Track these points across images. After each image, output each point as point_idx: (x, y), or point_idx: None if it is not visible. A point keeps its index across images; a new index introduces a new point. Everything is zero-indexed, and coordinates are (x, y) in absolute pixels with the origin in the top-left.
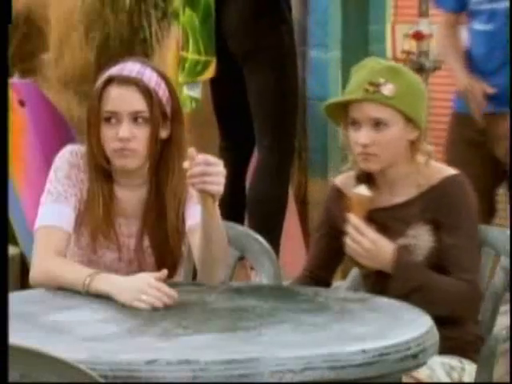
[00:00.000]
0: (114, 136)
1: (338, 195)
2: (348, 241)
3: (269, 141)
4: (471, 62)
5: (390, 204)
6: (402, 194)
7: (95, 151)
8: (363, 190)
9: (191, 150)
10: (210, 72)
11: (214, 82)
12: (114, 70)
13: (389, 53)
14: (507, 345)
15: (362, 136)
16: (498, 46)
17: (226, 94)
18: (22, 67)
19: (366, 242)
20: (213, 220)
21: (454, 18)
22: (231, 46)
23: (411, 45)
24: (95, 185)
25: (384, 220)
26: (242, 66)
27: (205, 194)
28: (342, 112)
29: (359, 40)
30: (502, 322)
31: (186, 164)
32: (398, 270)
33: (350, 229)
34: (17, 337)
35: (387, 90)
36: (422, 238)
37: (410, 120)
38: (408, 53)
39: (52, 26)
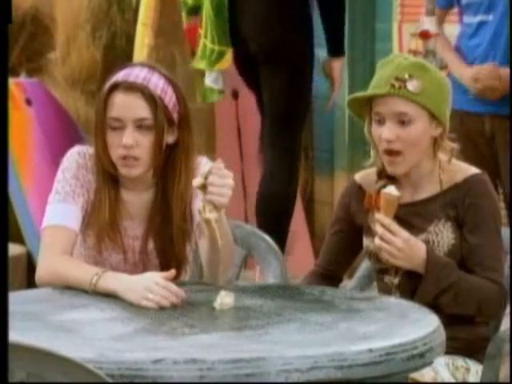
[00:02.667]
0: (118, 142)
1: (358, 191)
2: (378, 241)
3: (280, 141)
4: (465, 58)
5: (411, 200)
6: (425, 191)
7: (101, 156)
8: (393, 190)
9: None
10: (226, 62)
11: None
12: (120, 76)
13: (395, 52)
14: None
15: (386, 131)
16: (499, 36)
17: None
18: (28, 66)
19: (398, 241)
20: (218, 230)
21: (444, 14)
22: (251, 48)
23: (418, 44)
24: (102, 188)
25: (405, 216)
26: (260, 67)
27: (209, 204)
28: (366, 107)
29: (366, 39)
30: (507, 322)
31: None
32: (431, 269)
33: (379, 228)
34: (24, 336)
35: (413, 85)
36: (442, 235)
37: (434, 117)
38: (415, 52)
39: (59, 26)
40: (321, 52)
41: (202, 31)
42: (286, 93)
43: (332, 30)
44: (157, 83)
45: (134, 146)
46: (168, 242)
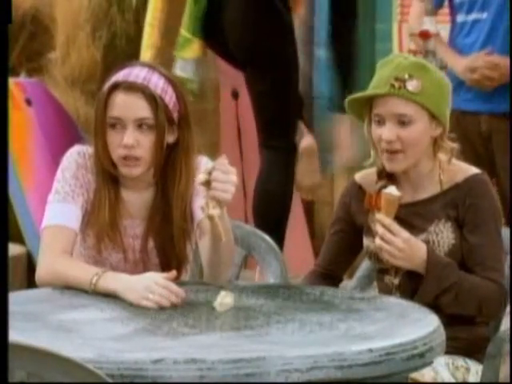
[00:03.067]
0: (118, 142)
1: (358, 191)
2: (378, 241)
3: (273, 141)
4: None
5: (412, 200)
6: (425, 191)
7: (102, 156)
8: (393, 191)
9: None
10: (193, 51)
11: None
12: (120, 76)
13: (395, 52)
14: None
15: (386, 132)
16: (494, 34)
17: None
18: (28, 66)
19: (399, 241)
20: (220, 225)
21: (434, 13)
22: (234, 51)
23: (418, 44)
24: (102, 188)
25: (406, 216)
26: (244, 69)
27: (213, 201)
28: (366, 107)
29: (366, 39)
30: (507, 322)
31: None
32: (432, 269)
33: (380, 229)
34: (24, 336)
35: (413, 85)
36: (443, 235)
37: (434, 117)
38: (415, 52)
39: (59, 26)
40: (322, 51)
41: None
42: (271, 96)
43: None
44: (157, 83)
45: (134, 146)
46: (168, 241)
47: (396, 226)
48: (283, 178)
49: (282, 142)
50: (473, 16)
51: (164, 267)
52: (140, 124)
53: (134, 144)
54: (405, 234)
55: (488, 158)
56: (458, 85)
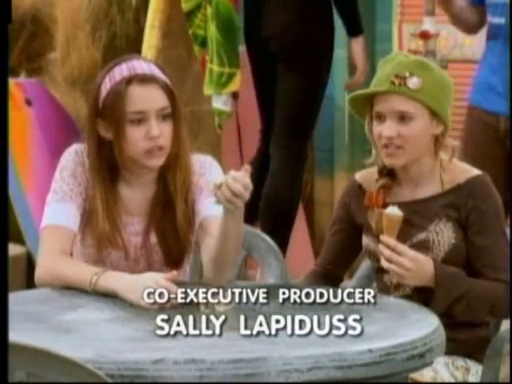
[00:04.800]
0: (142, 136)
1: (358, 191)
2: (386, 264)
3: (290, 142)
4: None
5: (412, 198)
6: (425, 190)
7: (122, 154)
8: (396, 211)
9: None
10: (235, 84)
11: (257, 77)
12: (123, 71)
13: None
14: None
15: (386, 129)
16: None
17: (269, 88)
18: (28, 66)
19: (406, 261)
20: (232, 220)
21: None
22: (273, 47)
23: (418, 44)
24: (98, 189)
25: (405, 214)
26: (278, 66)
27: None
28: (367, 105)
29: (366, 39)
30: (507, 322)
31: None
32: (442, 282)
33: (385, 251)
34: (23, 336)
35: (413, 83)
36: (443, 234)
37: (435, 114)
38: (415, 52)
39: (59, 26)
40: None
41: (207, 57)
42: (301, 92)
43: (345, 11)
44: (159, 72)
45: (159, 136)
46: (172, 232)
47: (401, 246)
48: (294, 180)
49: (298, 143)
50: (497, 19)
51: (167, 259)
52: (161, 114)
53: (159, 134)
54: (411, 253)
55: (503, 157)
56: (481, 85)
